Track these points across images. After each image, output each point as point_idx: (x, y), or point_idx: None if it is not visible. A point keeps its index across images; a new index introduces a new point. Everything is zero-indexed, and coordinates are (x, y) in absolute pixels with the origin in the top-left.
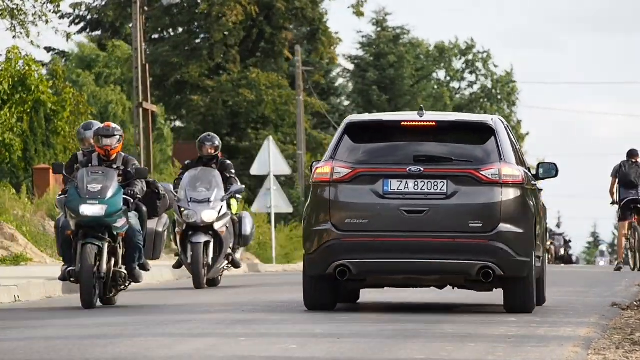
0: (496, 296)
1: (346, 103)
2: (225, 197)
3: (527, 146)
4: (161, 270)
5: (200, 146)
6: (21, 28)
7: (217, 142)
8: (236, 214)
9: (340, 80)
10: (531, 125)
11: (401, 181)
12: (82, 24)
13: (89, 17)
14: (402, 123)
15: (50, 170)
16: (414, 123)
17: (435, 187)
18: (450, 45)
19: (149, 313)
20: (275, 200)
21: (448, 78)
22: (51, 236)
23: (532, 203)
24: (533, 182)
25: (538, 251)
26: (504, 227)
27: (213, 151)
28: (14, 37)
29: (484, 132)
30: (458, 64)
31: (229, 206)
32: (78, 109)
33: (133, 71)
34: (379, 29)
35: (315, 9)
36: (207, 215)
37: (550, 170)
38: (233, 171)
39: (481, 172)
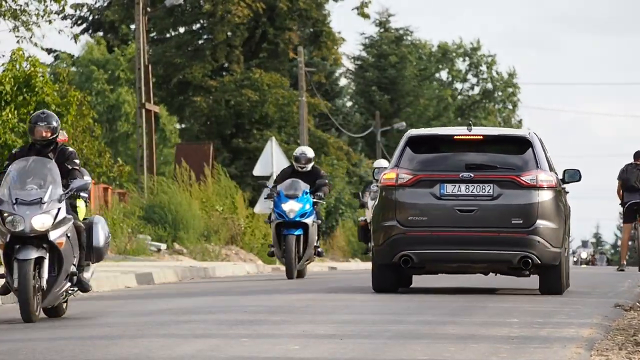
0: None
1: (349, 104)
2: (64, 196)
3: None
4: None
5: (31, 128)
6: (25, 29)
7: (55, 122)
8: (84, 220)
9: (344, 81)
10: (532, 126)
11: (455, 185)
12: (84, 25)
13: (90, 18)
14: (455, 137)
15: None
16: (464, 137)
17: (483, 190)
18: (454, 45)
19: (150, 313)
20: None
21: (450, 78)
22: None
23: (562, 203)
24: (562, 186)
25: (567, 242)
26: (541, 223)
27: (49, 134)
28: (18, 41)
29: (523, 144)
30: (462, 65)
31: (74, 209)
32: (81, 110)
33: (136, 72)
34: (381, 30)
35: (319, 10)
36: (39, 221)
37: (574, 175)
38: (77, 161)
39: (521, 178)
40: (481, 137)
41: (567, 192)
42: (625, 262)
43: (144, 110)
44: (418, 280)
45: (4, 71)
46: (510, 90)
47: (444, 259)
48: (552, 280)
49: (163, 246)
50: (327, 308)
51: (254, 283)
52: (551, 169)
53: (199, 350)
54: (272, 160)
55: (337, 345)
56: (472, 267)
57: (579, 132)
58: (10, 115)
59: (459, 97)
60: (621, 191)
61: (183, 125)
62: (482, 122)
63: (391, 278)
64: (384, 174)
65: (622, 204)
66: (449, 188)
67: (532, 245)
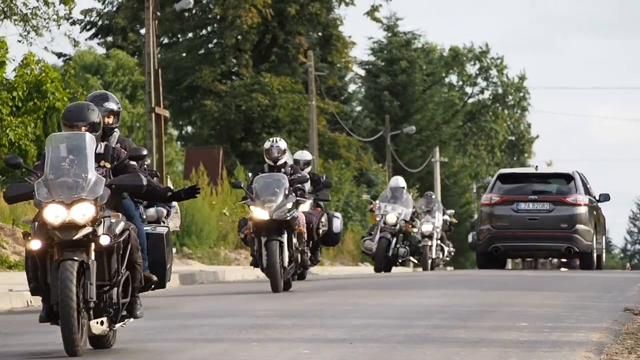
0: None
1: (358, 109)
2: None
3: (534, 149)
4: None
5: None
6: (35, 33)
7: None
8: None
9: (353, 86)
10: (536, 129)
11: (526, 203)
12: (93, 30)
13: (99, 23)
14: (527, 173)
15: None
16: (533, 173)
17: (543, 206)
18: (464, 49)
19: (160, 318)
20: None
21: (460, 82)
22: None
23: (592, 214)
24: (593, 203)
25: (600, 239)
26: (579, 226)
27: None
28: (26, 43)
29: (568, 178)
30: (472, 69)
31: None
32: None
33: (145, 76)
34: (390, 34)
35: (329, 15)
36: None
37: (606, 197)
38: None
39: (567, 199)
40: (543, 173)
41: (600, 207)
42: None
43: (153, 115)
44: (428, 283)
45: (16, 76)
46: (521, 94)
47: (520, 249)
48: (588, 261)
49: (173, 250)
50: (337, 312)
51: (263, 287)
52: (588, 192)
53: (208, 355)
54: None
55: (347, 350)
56: (537, 254)
57: (580, 135)
58: (25, 122)
59: (470, 101)
60: None
61: (190, 129)
62: (492, 125)
63: (487, 260)
64: (484, 196)
65: None
66: (522, 205)
67: (574, 240)
